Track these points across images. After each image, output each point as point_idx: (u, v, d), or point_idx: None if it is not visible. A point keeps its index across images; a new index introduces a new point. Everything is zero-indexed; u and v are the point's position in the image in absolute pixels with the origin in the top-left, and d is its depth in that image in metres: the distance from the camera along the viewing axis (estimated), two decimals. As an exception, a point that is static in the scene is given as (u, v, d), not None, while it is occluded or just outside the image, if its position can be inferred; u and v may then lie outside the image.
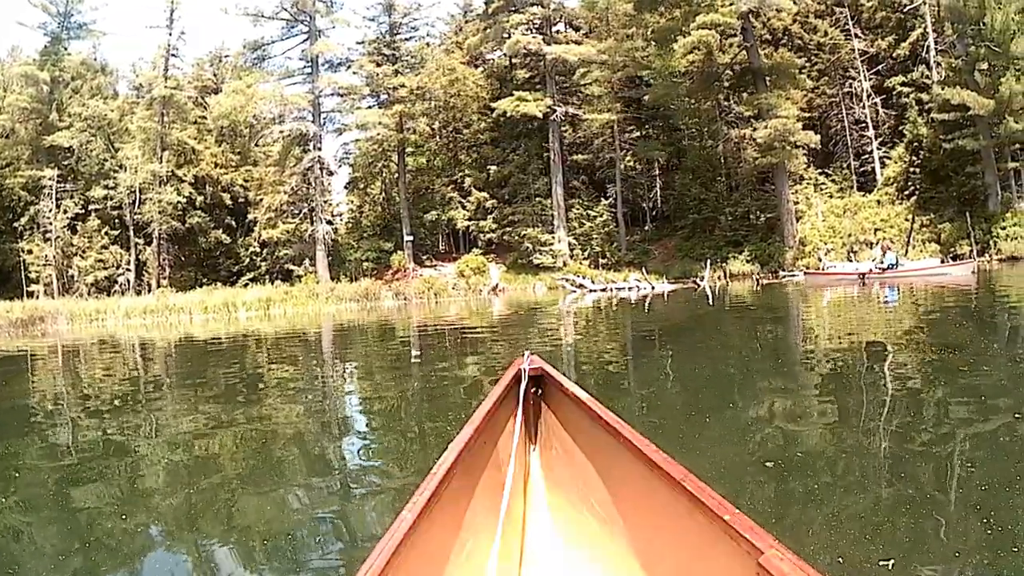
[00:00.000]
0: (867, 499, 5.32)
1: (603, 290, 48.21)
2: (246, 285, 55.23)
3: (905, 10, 53.90)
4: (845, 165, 55.56)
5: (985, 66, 43.46)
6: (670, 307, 31.01)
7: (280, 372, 16.20)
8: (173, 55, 62.35)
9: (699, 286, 43.71)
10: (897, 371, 10.45)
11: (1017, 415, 7.14)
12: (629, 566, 3.49)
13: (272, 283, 54.40)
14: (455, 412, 9.33)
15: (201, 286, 54.13)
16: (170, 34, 61.83)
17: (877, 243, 41.74)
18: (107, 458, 8.25)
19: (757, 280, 44.49)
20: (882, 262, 37.16)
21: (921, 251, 44.72)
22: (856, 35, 55.19)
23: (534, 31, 57.36)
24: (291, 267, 57.89)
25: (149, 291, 55.36)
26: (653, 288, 45.73)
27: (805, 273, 43.44)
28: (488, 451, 3.99)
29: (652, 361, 13.79)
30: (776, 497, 5.42)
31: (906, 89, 52.60)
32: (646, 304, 33.15)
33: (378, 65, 56.96)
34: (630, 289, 47.24)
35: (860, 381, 9.96)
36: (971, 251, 42.10)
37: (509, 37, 56.64)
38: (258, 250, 59.72)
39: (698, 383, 10.74)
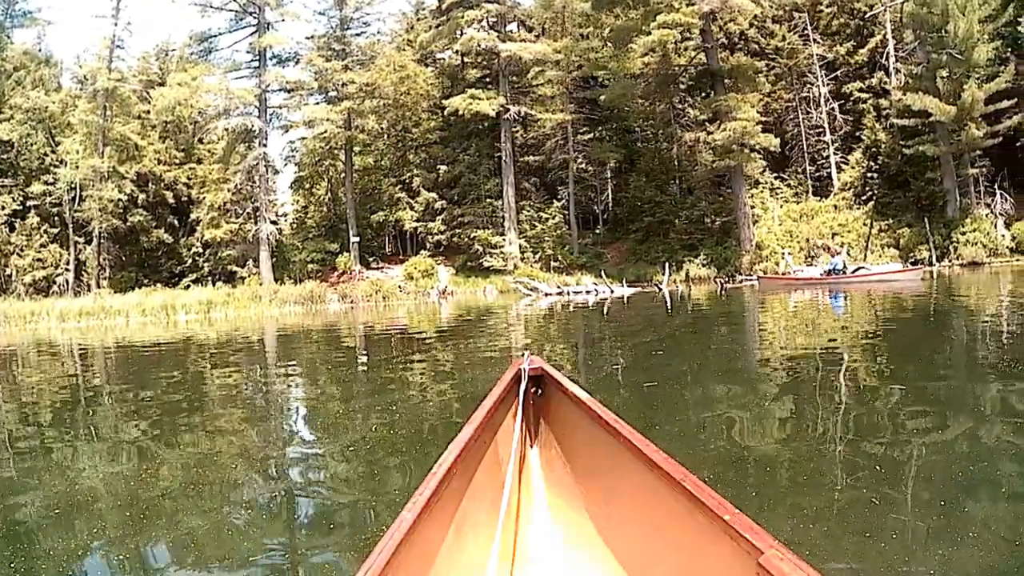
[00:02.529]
0: (821, 501, 5.52)
1: (559, 293, 47.50)
2: (187, 287, 54.78)
3: (864, 17, 54.74)
4: (800, 170, 56.28)
5: (946, 73, 44.09)
6: (630, 313, 30.26)
7: (221, 381, 15.79)
8: (118, 46, 60.93)
9: (660, 290, 43.02)
10: (851, 380, 10.76)
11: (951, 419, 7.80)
12: (629, 566, 3.52)
13: (214, 285, 53.66)
14: (402, 423, 9.45)
15: (142, 287, 53.22)
16: (115, 24, 60.22)
17: (828, 248, 41.18)
18: (46, 470, 8.22)
19: (721, 285, 43.74)
20: (829, 265, 38.11)
21: (880, 256, 45.59)
22: (815, 40, 55.90)
23: (488, 28, 56.58)
24: (234, 268, 57.29)
25: (89, 292, 54.06)
26: (612, 292, 45.12)
27: (759, 278, 43.87)
28: (488, 451, 4.03)
29: (609, 374, 13.08)
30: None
31: (864, 95, 53.44)
32: (605, 309, 32.29)
33: (327, 60, 55.37)
34: (587, 293, 46.35)
35: (815, 390, 10.23)
36: (930, 256, 43.83)
37: (462, 34, 56.72)
38: (201, 251, 58.85)
39: (656, 396, 10.47)
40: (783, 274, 43.49)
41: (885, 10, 51.71)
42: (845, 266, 37.74)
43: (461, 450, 3.58)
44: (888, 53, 51.89)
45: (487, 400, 4.11)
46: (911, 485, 5.80)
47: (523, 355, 4.51)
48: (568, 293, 47.30)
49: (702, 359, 14.58)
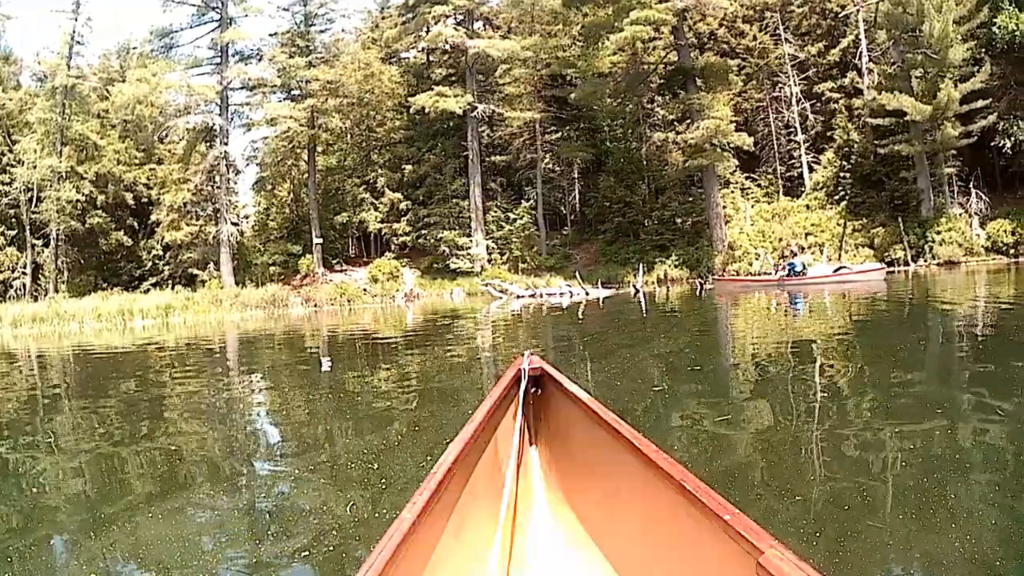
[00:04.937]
0: (793, 502, 5.54)
1: (531, 296, 46.75)
2: (147, 291, 53.76)
3: (837, 17, 54.99)
4: (771, 170, 56.23)
5: (920, 73, 44.40)
6: (608, 316, 29.24)
7: (181, 389, 15.07)
8: (78, 43, 59.66)
9: (637, 291, 42.23)
10: (825, 381, 10.89)
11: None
12: (629, 566, 3.53)
13: (173, 288, 52.44)
14: (367, 429, 9.37)
15: (101, 291, 51.93)
16: (75, 20, 58.94)
17: (792, 248, 40.80)
18: (1, 478, 8.10)
19: (700, 286, 42.96)
20: (787, 267, 37.91)
21: (855, 256, 45.49)
22: (786, 40, 56.02)
23: (455, 25, 56.12)
24: (195, 271, 56.42)
25: (47, 296, 51.78)
26: (587, 294, 44.04)
27: (715, 279, 44.24)
28: (488, 451, 4.00)
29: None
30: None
31: (835, 95, 53.55)
32: (580, 311, 31.50)
33: (290, 57, 54.41)
34: (561, 295, 45.59)
35: (788, 390, 10.25)
36: (905, 256, 44.25)
37: (429, 31, 56.32)
38: (161, 253, 57.99)
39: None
40: (759, 274, 43.34)
41: (858, 10, 51.71)
42: (804, 267, 37.55)
43: (461, 450, 3.53)
44: (861, 53, 51.90)
45: (487, 400, 4.09)
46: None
47: (523, 354, 4.48)
48: (541, 295, 46.50)
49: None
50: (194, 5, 58.04)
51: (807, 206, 51.70)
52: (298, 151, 60.05)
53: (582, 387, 4.12)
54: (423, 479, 3.19)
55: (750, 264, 47.22)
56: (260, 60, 58.61)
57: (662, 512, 3.21)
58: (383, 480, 6.76)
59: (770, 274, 40.65)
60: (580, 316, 29.29)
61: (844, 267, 38.66)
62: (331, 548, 5.20)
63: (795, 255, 38.76)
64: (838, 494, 5.63)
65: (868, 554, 4.49)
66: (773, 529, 4.22)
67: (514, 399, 4.28)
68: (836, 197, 50.89)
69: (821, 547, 4.57)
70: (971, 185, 46.41)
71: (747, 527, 2.63)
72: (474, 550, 3.55)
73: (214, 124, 56.50)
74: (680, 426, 8.49)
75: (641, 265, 47.98)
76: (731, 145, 49.08)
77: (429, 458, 6.98)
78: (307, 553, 5.12)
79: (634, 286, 44.34)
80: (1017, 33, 42.13)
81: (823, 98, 54.16)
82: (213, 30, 57.81)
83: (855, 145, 50.17)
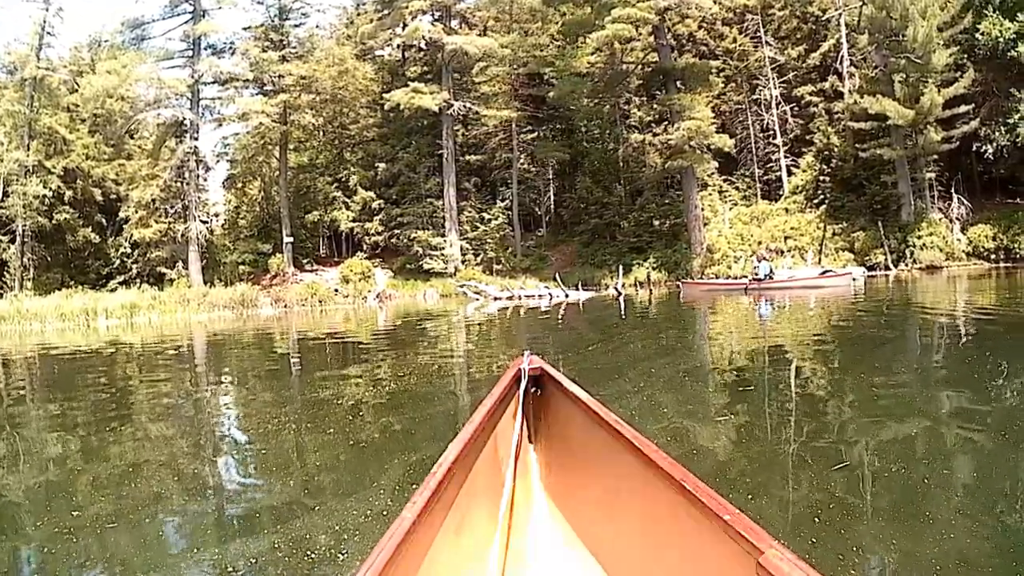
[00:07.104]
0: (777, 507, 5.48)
1: (509, 298, 46.54)
2: (115, 289, 52.79)
3: (817, 21, 55.08)
4: (749, 173, 56.29)
5: (903, 77, 44.20)
6: (597, 320, 28.24)
7: (148, 392, 14.74)
8: (49, 33, 58.73)
9: (619, 293, 42.47)
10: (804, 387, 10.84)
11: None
12: (629, 566, 3.55)
13: (141, 287, 51.49)
14: (338, 433, 9.16)
15: (68, 288, 50.49)
16: (46, 10, 58.15)
17: (761, 253, 40.80)
18: None
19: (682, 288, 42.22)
20: (756, 272, 38.22)
21: (835, 259, 45.38)
22: (766, 43, 55.97)
23: (432, 21, 55.80)
24: (163, 270, 55.56)
25: (12, 293, 51.14)
26: (567, 296, 43.88)
27: (683, 282, 43.93)
28: (488, 451, 4.03)
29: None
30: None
31: (815, 99, 53.67)
32: (560, 315, 31.00)
33: (263, 51, 53.93)
34: (540, 297, 45.38)
35: (763, 393, 10.33)
36: (885, 260, 44.41)
37: (405, 27, 55.34)
38: (129, 251, 57.18)
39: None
40: (737, 279, 42.61)
41: (840, 14, 51.68)
42: (771, 272, 37.92)
43: (461, 450, 3.51)
44: (842, 57, 52.01)
45: (487, 400, 4.08)
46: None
47: (523, 354, 4.48)
48: (519, 297, 46.30)
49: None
50: (168, -5, 57.52)
51: (786, 209, 51.68)
52: (269, 148, 59.72)
53: (589, 392, 4.07)
54: (424, 479, 3.21)
55: (729, 267, 46.94)
56: (233, 54, 57.89)
57: (662, 512, 3.24)
58: (352, 485, 6.74)
59: (747, 278, 40.34)
60: (560, 319, 28.76)
61: (829, 270, 38.69)
62: (298, 550, 5.18)
63: (764, 259, 38.97)
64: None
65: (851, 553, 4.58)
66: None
67: (514, 399, 4.31)
68: (816, 201, 50.84)
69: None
70: (952, 190, 46.49)
71: (747, 527, 2.64)
72: (474, 549, 3.61)
73: (184, 119, 55.64)
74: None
75: (621, 268, 47.53)
76: (711, 147, 48.65)
77: (396, 466, 7.25)
78: (275, 556, 5.10)
79: (615, 288, 44.42)
80: (1000, 40, 42.15)
81: (803, 101, 54.10)
82: (186, 22, 56.73)
83: (835, 149, 50.15)
